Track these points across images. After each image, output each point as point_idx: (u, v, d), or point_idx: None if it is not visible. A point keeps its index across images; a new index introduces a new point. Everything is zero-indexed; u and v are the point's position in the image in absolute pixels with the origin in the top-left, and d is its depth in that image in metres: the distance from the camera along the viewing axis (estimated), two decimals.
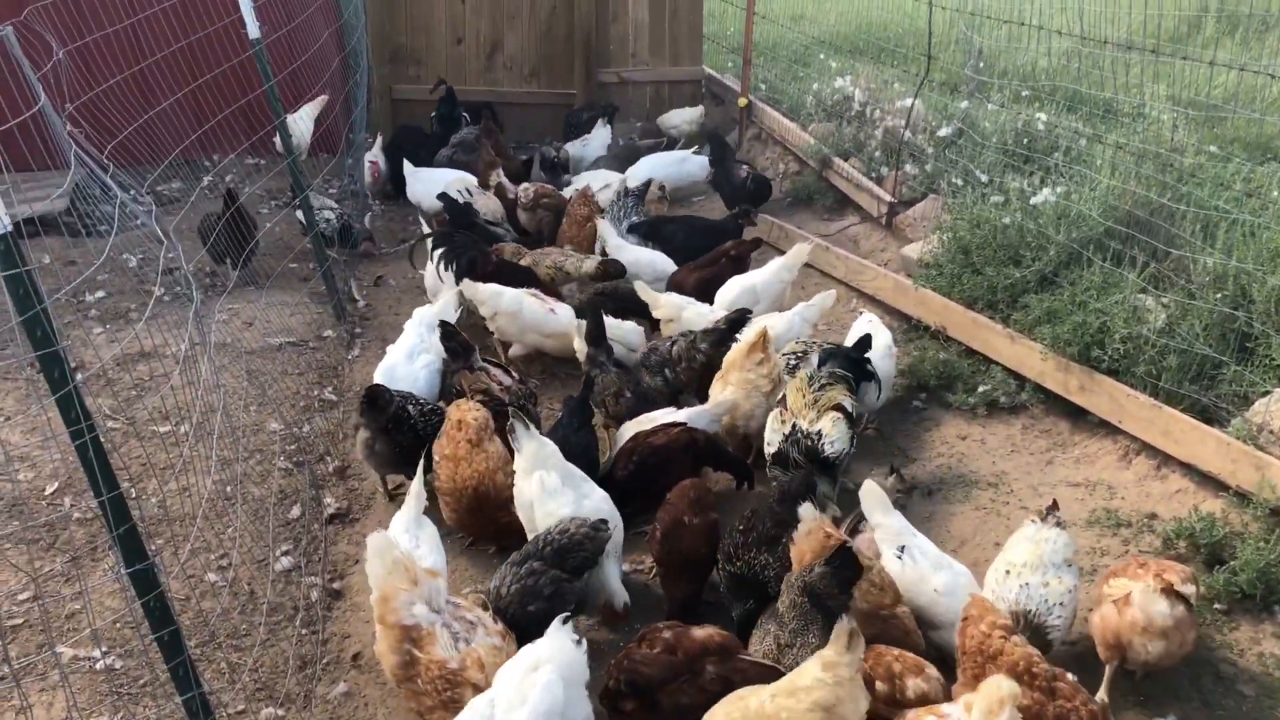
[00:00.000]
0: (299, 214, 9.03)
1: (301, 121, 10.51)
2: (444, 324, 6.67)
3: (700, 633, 4.36)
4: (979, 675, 3.91)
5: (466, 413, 5.73)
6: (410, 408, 6.02)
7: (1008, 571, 4.68)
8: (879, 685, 4.16)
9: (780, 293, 7.66)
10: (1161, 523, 5.57)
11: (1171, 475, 5.86)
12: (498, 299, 7.32)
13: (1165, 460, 5.90)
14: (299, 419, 7.08)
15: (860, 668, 3.76)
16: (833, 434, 5.64)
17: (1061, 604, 4.53)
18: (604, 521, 4.97)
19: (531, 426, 5.28)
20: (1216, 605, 5.01)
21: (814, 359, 6.38)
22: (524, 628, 4.51)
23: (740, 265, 8.05)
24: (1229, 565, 5.05)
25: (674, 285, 7.96)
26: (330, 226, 9.35)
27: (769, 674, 4.08)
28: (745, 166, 10.13)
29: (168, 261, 8.91)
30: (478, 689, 4.14)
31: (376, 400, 5.90)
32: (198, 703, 3.70)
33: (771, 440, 5.83)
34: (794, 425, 5.72)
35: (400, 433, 5.93)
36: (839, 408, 5.76)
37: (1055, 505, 4.90)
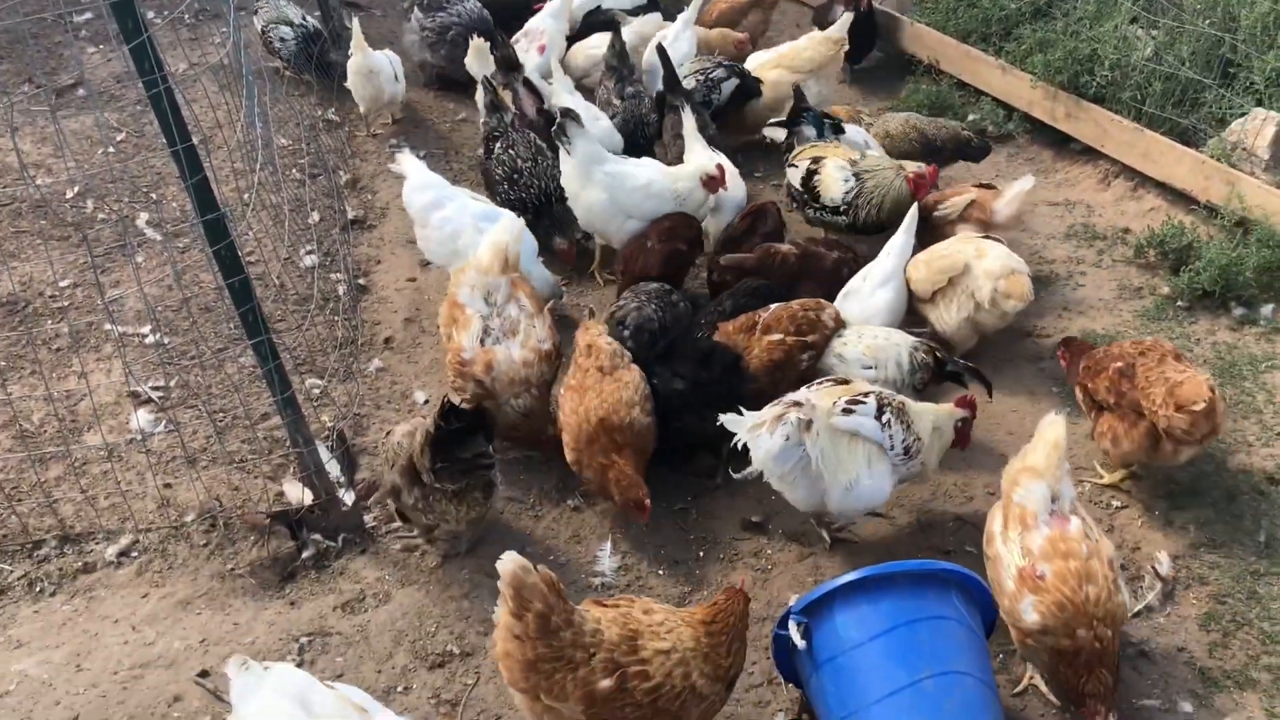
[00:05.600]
0: None
1: None
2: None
3: None
4: None
5: (597, 337, 4.68)
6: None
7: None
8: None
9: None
10: (1134, 235, 5.99)
11: (1147, 195, 6.25)
12: None
13: (1142, 181, 6.28)
14: (306, 137, 7.21)
15: None
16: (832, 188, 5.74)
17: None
18: None
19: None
20: (1179, 303, 5.48)
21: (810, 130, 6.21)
22: None
23: None
24: (1193, 267, 5.49)
25: None
26: (286, 47, 7.74)
27: None
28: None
29: None
30: (480, 385, 4.51)
31: None
32: (267, 347, 4.03)
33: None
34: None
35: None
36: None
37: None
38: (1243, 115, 5.87)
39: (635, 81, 6.76)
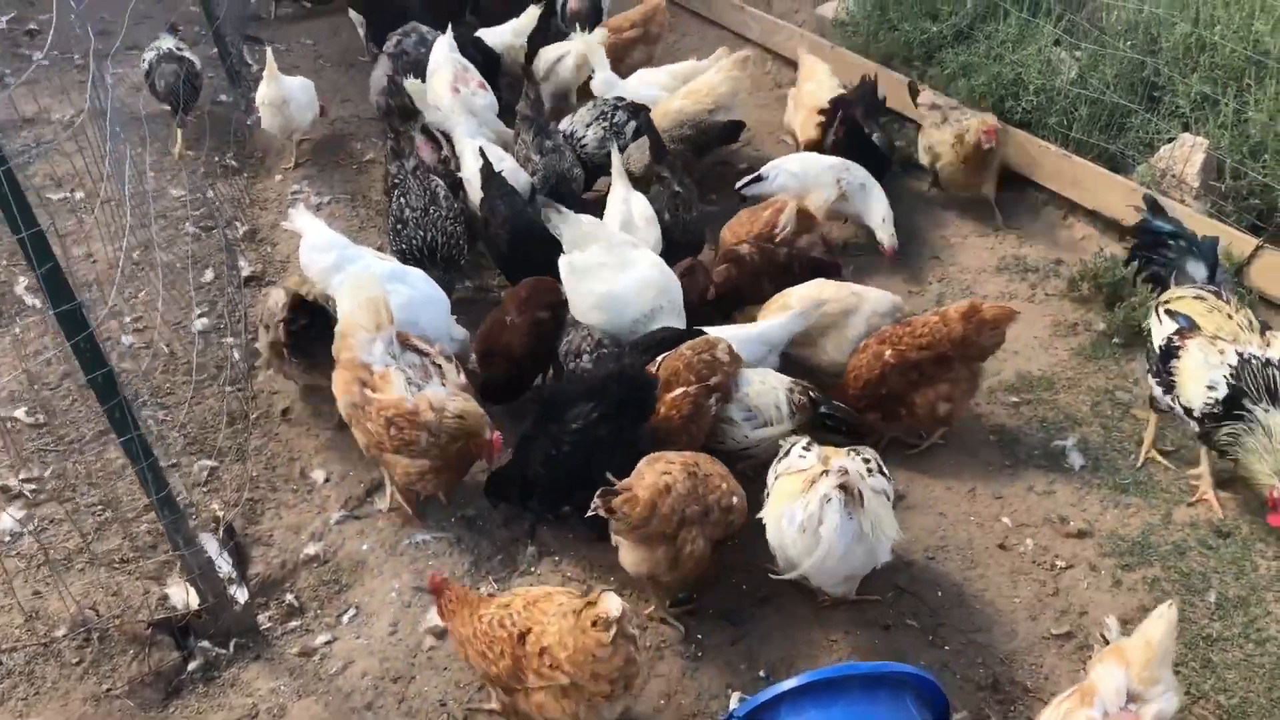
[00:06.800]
0: None
1: None
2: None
3: None
4: None
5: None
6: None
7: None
8: None
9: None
10: (1067, 267, 5.81)
11: (1077, 224, 6.09)
12: None
13: (1072, 209, 6.12)
14: (201, 185, 6.80)
15: None
16: None
17: None
18: None
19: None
20: (1116, 340, 5.30)
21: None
22: None
23: None
24: (1128, 303, 5.31)
25: None
26: (167, 84, 7.07)
27: None
28: None
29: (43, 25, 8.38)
30: (430, 431, 4.20)
31: None
32: (137, 445, 3.66)
33: None
34: None
35: None
36: None
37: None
38: (1170, 141, 5.72)
39: (554, 134, 6.26)
